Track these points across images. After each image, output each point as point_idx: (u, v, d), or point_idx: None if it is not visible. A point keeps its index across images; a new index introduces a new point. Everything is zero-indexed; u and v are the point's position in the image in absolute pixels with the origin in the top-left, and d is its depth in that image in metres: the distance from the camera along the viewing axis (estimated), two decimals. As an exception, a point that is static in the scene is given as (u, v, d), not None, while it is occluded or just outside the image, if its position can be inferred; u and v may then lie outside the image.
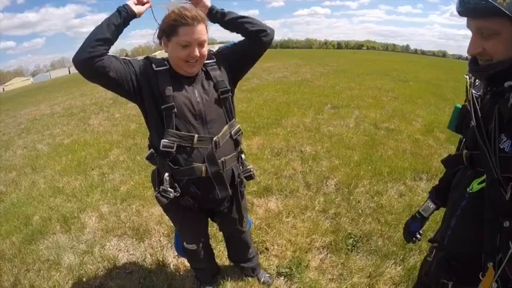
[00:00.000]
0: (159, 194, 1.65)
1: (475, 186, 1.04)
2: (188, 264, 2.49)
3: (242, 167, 1.86)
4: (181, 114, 1.54)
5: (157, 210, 3.32)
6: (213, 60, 1.67)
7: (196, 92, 1.59)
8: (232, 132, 1.71)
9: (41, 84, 47.53)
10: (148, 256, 2.71)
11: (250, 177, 1.90)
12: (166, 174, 1.61)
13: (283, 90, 10.04)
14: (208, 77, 1.64)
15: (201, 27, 1.48)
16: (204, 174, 1.61)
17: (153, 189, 1.77)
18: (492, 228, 0.95)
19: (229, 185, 1.74)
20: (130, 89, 1.52)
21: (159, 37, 1.56)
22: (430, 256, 1.33)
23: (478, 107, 1.01)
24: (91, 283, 2.49)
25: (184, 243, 2.02)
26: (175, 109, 1.52)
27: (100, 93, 13.47)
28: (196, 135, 1.56)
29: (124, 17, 1.49)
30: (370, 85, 11.17)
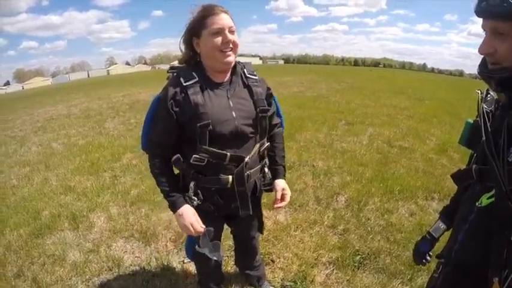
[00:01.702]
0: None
1: (484, 200, 1.03)
2: (193, 270, 2.49)
3: (264, 179, 1.81)
4: (216, 131, 1.46)
5: (166, 215, 3.32)
6: (255, 77, 1.63)
7: (232, 104, 1.52)
8: (261, 149, 1.68)
9: (59, 85, 48.64)
10: (154, 260, 2.70)
11: (271, 190, 1.84)
12: (193, 182, 1.59)
13: (298, 105, 10.03)
14: (250, 91, 1.59)
15: (227, 16, 1.45)
16: (229, 185, 1.57)
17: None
18: (499, 243, 0.94)
19: (251, 195, 1.70)
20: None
21: (188, 40, 1.51)
22: (436, 272, 1.29)
23: (488, 121, 1.00)
24: (94, 281, 2.49)
25: (196, 247, 1.91)
26: (211, 126, 1.44)
27: (117, 98, 13.72)
28: (228, 154, 1.51)
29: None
30: (386, 103, 11.12)
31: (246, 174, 1.58)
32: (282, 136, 1.86)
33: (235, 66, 1.58)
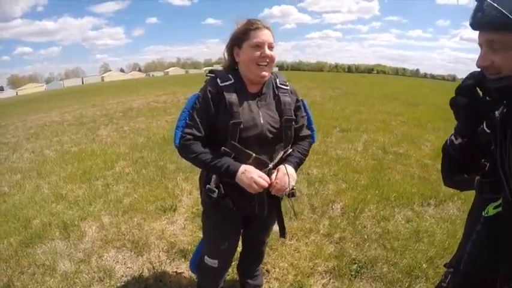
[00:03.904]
0: (204, 194, 1.68)
1: (491, 210, 1.02)
2: (185, 282, 2.45)
3: None
4: (246, 132, 1.55)
5: (159, 225, 3.28)
6: (286, 88, 1.71)
7: (261, 113, 1.60)
8: (284, 156, 1.71)
9: (53, 91, 48.41)
10: (146, 271, 2.64)
11: (292, 195, 1.79)
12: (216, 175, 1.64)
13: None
14: (278, 101, 1.67)
15: (268, 32, 1.57)
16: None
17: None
18: (508, 253, 0.92)
19: (270, 198, 1.71)
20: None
21: (231, 48, 1.63)
22: (444, 282, 1.28)
23: (498, 130, 0.97)
24: (84, 293, 2.43)
25: (206, 257, 1.90)
26: (242, 125, 1.53)
27: (111, 105, 13.67)
28: (253, 155, 1.57)
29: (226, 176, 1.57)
30: (380, 109, 11.19)
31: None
32: (310, 145, 1.86)
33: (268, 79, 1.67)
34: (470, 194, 1.20)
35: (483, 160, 1.09)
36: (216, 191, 1.62)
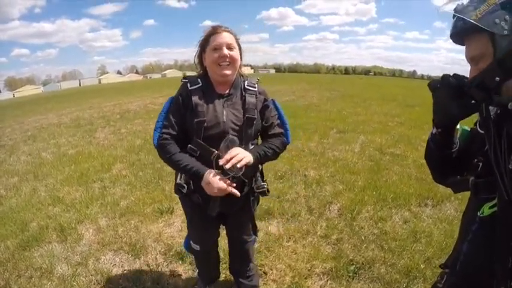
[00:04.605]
0: (175, 188, 1.82)
1: (486, 210, 1.02)
2: (183, 285, 2.47)
3: (256, 183, 1.92)
4: (209, 130, 1.68)
5: (156, 227, 3.28)
6: (254, 89, 1.82)
7: (225, 112, 1.72)
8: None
9: (50, 93, 48.32)
10: (143, 273, 2.64)
11: (264, 194, 1.96)
12: None
13: (290, 114, 9.90)
14: (244, 101, 1.77)
15: (229, 35, 1.70)
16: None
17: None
18: (504, 252, 0.93)
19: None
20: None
21: (200, 55, 1.78)
22: (440, 282, 1.28)
23: (493, 127, 0.97)
24: (82, 297, 2.42)
25: (191, 241, 2.13)
26: (206, 124, 1.67)
27: (108, 107, 13.65)
28: (216, 152, 1.66)
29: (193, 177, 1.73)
30: (377, 110, 11.22)
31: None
32: (282, 143, 1.89)
33: (236, 80, 1.81)
34: (468, 194, 1.20)
35: (475, 160, 1.10)
36: (186, 186, 1.78)
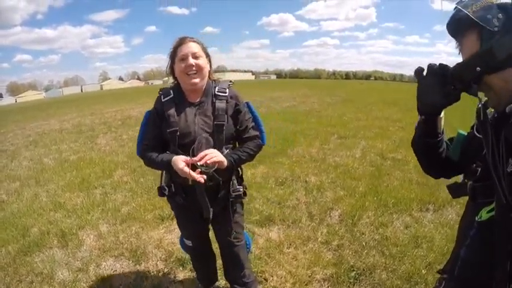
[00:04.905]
0: (159, 190, 1.98)
1: (484, 214, 1.02)
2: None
3: (232, 186, 1.97)
4: (183, 138, 1.77)
5: (157, 234, 3.28)
6: (224, 94, 1.85)
7: (196, 120, 1.80)
8: None
9: (52, 99, 48.56)
10: (144, 280, 2.64)
11: (239, 197, 2.01)
12: (166, 175, 1.96)
13: (291, 119, 10.09)
14: (214, 108, 1.82)
15: (195, 45, 1.77)
16: (191, 183, 1.76)
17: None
18: (503, 256, 0.92)
19: (216, 197, 1.93)
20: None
21: (171, 67, 1.86)
22: None
23: (490, 131, 0.96)
24: (82, 303, 2.42)
25: (184, 239, 2.22)
26: (178, 133, 1.76)
27: (110, 113, 13.70)
28: (192, 147, 1.75)
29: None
30: (378, 115, 11.23)
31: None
32: (257, 146, 1.94)
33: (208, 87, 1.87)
34: (467, 199, 1.20)
35: (474, 165, 1.10)
36: (166, 189, 1.93)
